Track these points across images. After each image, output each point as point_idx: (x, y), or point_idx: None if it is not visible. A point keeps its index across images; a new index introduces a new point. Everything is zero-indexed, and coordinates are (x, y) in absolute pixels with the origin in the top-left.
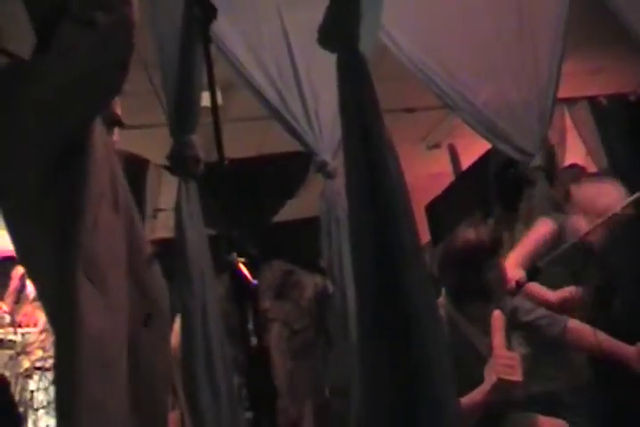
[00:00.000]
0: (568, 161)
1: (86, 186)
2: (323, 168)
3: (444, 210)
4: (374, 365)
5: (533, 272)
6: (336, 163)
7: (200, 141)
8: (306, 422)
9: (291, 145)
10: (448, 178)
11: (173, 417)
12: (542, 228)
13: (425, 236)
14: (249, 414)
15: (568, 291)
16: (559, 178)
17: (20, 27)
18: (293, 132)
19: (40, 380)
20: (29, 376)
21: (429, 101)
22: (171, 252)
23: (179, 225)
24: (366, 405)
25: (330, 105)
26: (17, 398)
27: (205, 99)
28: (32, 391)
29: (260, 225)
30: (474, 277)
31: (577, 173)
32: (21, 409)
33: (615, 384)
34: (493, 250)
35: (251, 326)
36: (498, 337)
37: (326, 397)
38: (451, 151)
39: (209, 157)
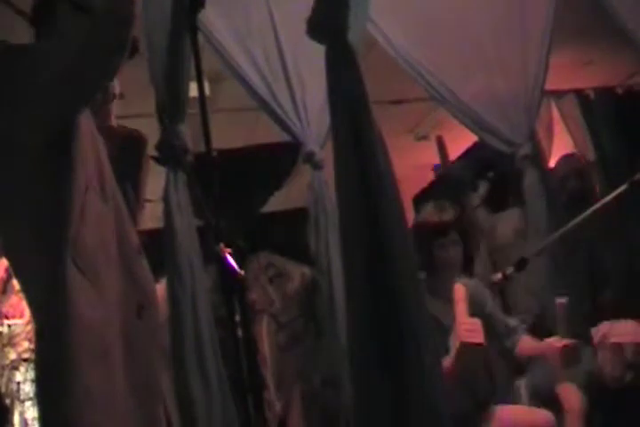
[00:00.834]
0: (555, 153)
1: (73, 176)
2: (310, 159)
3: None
4: (363, 356)
5: (521, 264)
6: (324, 153)
7: (188, 132)
8: (293, 414)
9: (279, 136)
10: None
11: None
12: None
13: None
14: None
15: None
16: (556, 168)
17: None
18: (281, 122)
19: (27, 371)
20: (16, 368)
21: (418, 93)
22: (159, 242)
23: (167, 215)
24: (355, 396)
25: (318, 96)
26: (3, 389)
27: (193, 89)
28: (18, 383)
29: (247, 216)
30: (426, 254)
31: (574, 162)
32: (8, 401)
33: None
34: (442, 231)
35: (238, 317)
36: (460, 306)
37: (316, 387)
38: (439, 143)
39: (197, 148)
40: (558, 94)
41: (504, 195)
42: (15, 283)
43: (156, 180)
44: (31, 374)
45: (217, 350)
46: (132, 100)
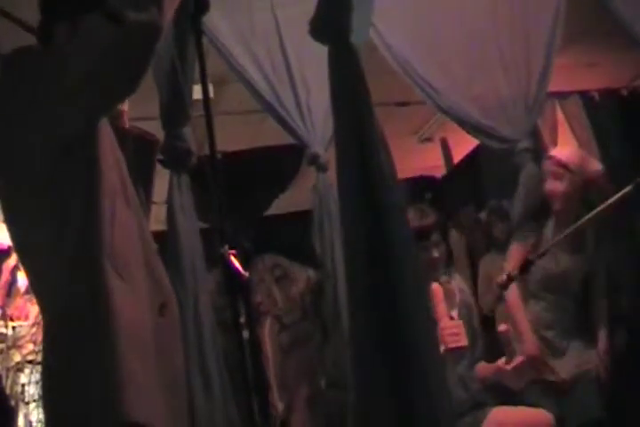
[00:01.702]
0: None
1: (100, 184)
2: (315, 161)
3: (436, 204)
4: (366, 360)
5: (526, 265)
6: (328, 155)
7: (192, 135)
8: (295, 415)
9: (283, 138)
10: (440, 172)
11: None
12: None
13: None
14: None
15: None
16: None
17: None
18: (285, 124)
19: (31, 373)
20: (20, 370)
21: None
22: (162, 244)
23: (171, 217)
24: (357, 401)
25: (322, 98)
26: (8, 391)
27: (197, 92)
28: (23, 385)
29: (252, 218)
30: None
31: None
32: (13, 403)
33: None
34: (424, 234)
35: (242, 319)
36: (440, 308)
37: (321, 388)
38: (443, 145)
39: (201, 151)
40: (563, 95)
41: None
42: (20, 286)
43: (159, 182)
44: (36, 377)
45: (219, 352)
46: (136, 103)
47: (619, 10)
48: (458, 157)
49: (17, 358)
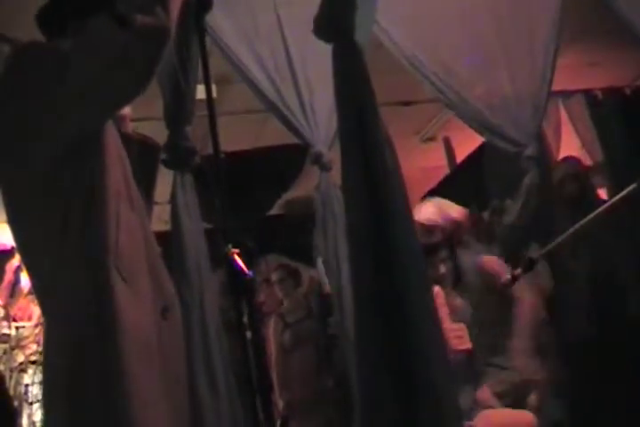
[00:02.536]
0: (563, 154)
1: (105, 187)
2: (318, 160)
3: None
4: (372, 364)
5: (529, 264)
6: (332, 155)
7: (196, 135)
8: (297, 414)
9: (286, 138)
10: (443, 171)
11: None
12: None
13: None
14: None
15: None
16: (555, 171)
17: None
18: (289, 124)
19: (34, 374)
20: (24, 370)
21: (425, 94)
22: (166, 244)
23: (174, 217)
24: (361, 404)
25: (325, 97)
26: (11, 392)
27: (200, 91)
28: (26, 385)
29: (255, 217)
30: None
31: (571, 167)
32: (16, 403)
33: None
34: (432, 251)
35: (246, 319)
36: (442, 311)
37: (322, 387)
38: (446, 144)
39: (204, 151)
40: (566, 95)
41: None
42: (23, 286)
43: (162, 182)
44: (39, 377)
45: (224, 352)
46: (140, 103)
47: (621, 9)
48: (461, 156)
49: (20, 358)
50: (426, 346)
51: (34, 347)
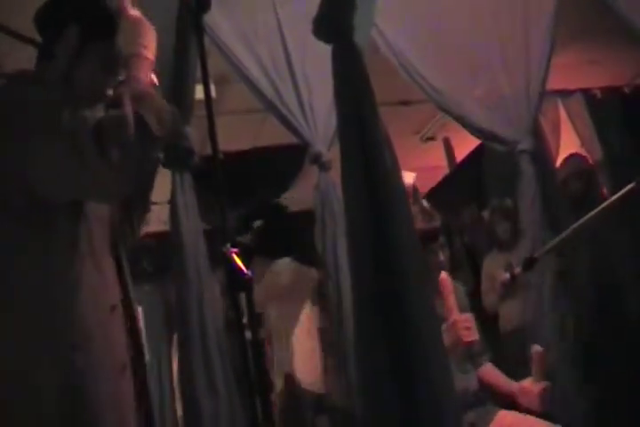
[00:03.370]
0: (562, 153)
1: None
2: (318, 160)
3: (439, 203)
4: (372, 365)
5: (529, 263)
6: (331, 154)
7: (194, 135)
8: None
9: (285, 137)
10: (443, 171)
11: None
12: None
13: None
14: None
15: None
16: (559, 169)
17: None
18: (288, 124)
19: None
20: None
21: (424, 95)
22: (165, 244)
23: (174, 217)
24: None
25: (324, 97)
26: None
27: (199, 91)
28: None
29: (254, 218)
30: None
31: (577, 163)
32: None
33: None
34: (432, 237)
35: (245, 319)
36: (449, 301)
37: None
38: (445, 144)
39: (203, 151)
40: (565, 94)
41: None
42: None
43: (161, 183)
44: None
45: (224, 352)
46: None
47: (621, 7)
48: (460, 156)
49: None
50: (424, 345)
51: None
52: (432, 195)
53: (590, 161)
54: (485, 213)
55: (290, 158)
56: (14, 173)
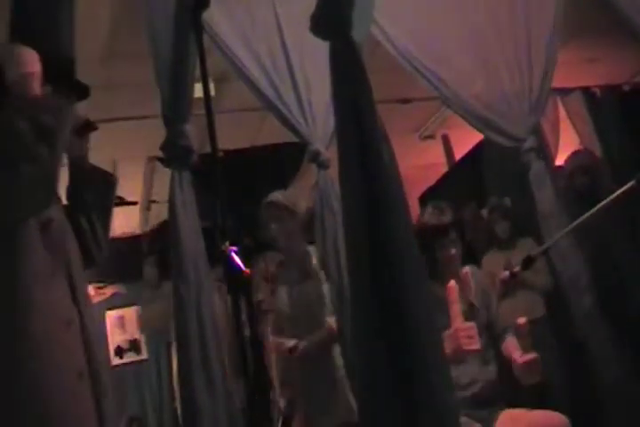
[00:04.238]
0: (562, 151)
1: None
2: (316, 158)
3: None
4: (371, 362)
5: (528, 262)
6: (329, 153)
7: (194, 133)
8: (296, 413)
9: (284, 136)
10: (442, 169)
11: None
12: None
13: None
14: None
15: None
16: (565, 164)
17: None
18: (287, 122)
19: None
20: None
21: (423, 92)
22: (165, 242)
23: (172, 215)
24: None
25: (323, 95)
26: None
27: (198, 90)
28: None
29: (253, 216)
30: (429, 254)
31: (582, 158)
32: None
33: None
34: (443, 232)
35: (244, 317)
36: (454, 309)
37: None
38: (444, 142)
39: (202, 149)
40: (565, 91)
41: None
42: None
43: (161, 181)
44: None
45: (221, 349)
46: (137, 102)
47: (620, 5)
48: (459, 154)
49: None
50: (421, 341)
51: None
52: (431, 192)
53: (593, 156)
54: (484, 212)
55: (289, 156)
56: None
